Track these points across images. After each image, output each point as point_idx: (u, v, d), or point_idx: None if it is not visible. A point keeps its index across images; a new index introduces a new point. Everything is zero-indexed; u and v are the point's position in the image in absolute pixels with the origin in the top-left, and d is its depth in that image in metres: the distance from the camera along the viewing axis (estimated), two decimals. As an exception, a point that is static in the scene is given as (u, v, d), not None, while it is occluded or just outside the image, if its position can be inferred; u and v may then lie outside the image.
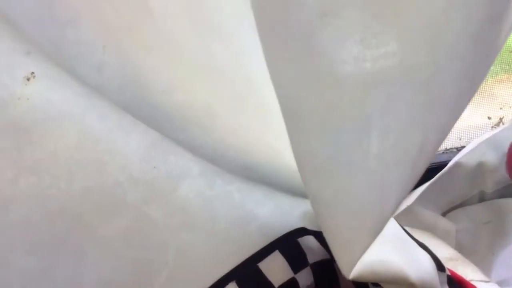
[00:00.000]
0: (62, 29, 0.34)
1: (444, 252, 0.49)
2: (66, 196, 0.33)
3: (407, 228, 0.54)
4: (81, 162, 0.33)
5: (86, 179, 0.33)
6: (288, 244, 0.40)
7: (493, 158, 0.59)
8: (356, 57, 0.23)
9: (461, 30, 0.23)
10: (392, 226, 0.38)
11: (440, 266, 0.38)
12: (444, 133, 0.26)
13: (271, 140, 0.37)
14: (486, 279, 0.46)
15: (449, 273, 0.39)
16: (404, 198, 0.27)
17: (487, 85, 0.67)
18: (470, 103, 0.27)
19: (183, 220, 0.37)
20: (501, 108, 0.70)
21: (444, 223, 0.56)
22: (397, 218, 0.58)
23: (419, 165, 0.26)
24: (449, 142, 0.60)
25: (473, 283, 0.44)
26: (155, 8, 0.33)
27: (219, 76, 0.34)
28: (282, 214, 0.40)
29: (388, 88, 0.24)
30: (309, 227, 0.40)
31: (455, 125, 0.27)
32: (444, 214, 0.59)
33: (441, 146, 0.67)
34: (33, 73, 0.31)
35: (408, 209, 0.56)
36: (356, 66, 0.23)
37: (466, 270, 0.47)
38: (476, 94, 0.27)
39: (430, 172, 0.57)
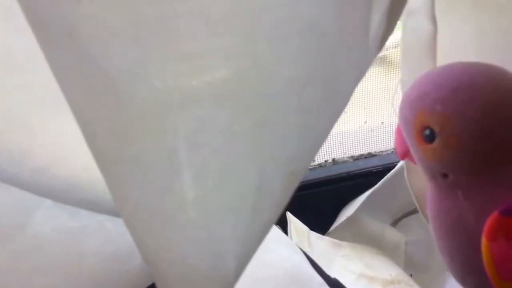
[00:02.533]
0: None
1: (385, 273, 0.42)
2: None
3: (344, 243, 0.47)
4: None
5: None
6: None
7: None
8: (141, 68, 0.16)
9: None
10: (292, 260, 0.31)
11: (355, 308, 0.31)
12: (295, 166, 0.19)
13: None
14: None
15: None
16: (252, 254, 0.20)
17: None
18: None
19: (37, 262, 0.30)
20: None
21: (392, 234, 0.49)
22: (336, 231, 0.51)
23: (263, 209, 0.19)
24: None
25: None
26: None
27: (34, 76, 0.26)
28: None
29: (196, 112, 0.16)
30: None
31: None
32: (396, 222, 0.51)
33: (389, 144, 0.60)
34: None
35: (351, 219, 0.49)
36: (143, 81, 0.16)
37: (408, 296, 0.40)
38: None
39: (377, 175, 0.50)
